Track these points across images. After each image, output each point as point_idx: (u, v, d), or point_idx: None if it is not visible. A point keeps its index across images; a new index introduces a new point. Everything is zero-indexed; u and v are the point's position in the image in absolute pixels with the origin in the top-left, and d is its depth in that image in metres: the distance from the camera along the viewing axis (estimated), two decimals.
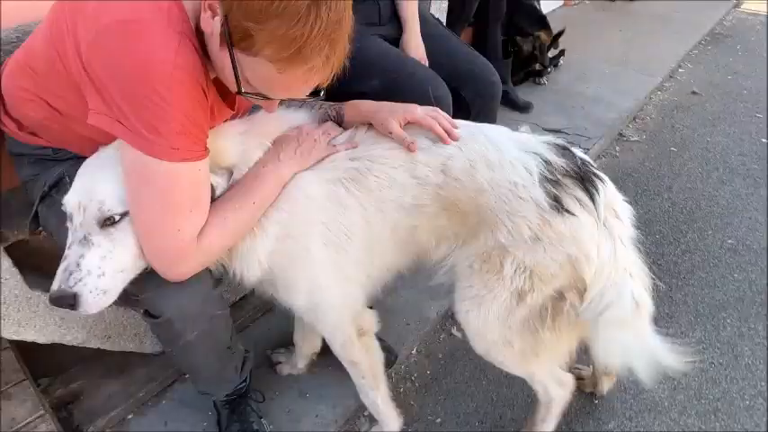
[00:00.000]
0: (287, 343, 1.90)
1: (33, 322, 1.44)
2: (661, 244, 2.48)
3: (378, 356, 1.48)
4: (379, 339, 1.85)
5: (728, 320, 2.10)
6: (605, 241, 1.22)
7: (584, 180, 1.23)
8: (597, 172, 1.27)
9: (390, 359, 1.83)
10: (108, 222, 1.03)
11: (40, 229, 1.40)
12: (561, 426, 1.72)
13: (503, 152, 1.23)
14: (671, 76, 4.26)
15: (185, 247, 1.06)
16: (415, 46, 1.99)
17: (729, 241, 2.51)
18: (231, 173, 1.19)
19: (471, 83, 1.98)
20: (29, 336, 1.45)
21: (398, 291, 2.13)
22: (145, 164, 0.99)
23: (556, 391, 1.50)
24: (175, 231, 1.04)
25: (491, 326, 1.32)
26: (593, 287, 1.23)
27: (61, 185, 1.24)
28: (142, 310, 1.23)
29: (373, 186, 1.23)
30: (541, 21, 3.59)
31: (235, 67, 0.96)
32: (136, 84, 0.93)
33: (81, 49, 0.97)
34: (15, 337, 1.43)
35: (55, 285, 1.01)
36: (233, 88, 1.01)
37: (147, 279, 1.14)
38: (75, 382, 1.74)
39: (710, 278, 2.30)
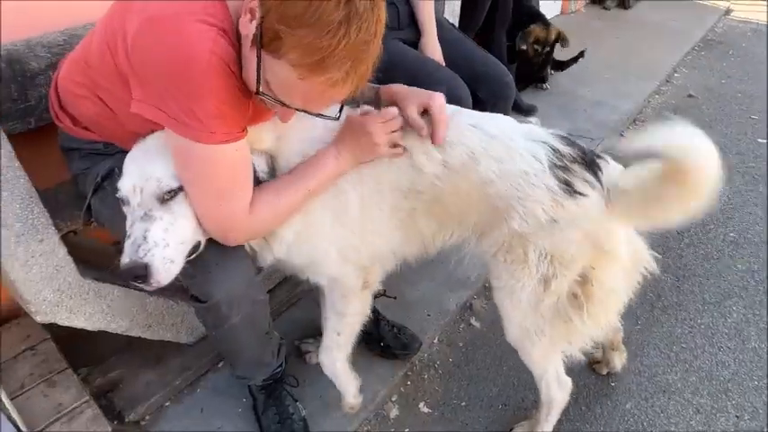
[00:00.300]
0: (313, 334, 1.97)
1: (83, 309, 1.50)
2: (667, 238, 2.58)
3: (365, 313, 1.51)
4: (403, 328, 1.95)
5: (734, 308, 2.20)
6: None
7: (591, 163, 1.30)
8: (600, 154, 1.34)
9: (414, 346, 1.92)
10: (167, 197, 1.12)
11: (92, 219, 1.48)
12: (581, 406, 1.81)
13: (509, 144, 1.29)
14: (667, 81, 4.40)
15: (233, 218, 1.15)
16: (432, 48, 2.10)
17: (731, 235, 2.62)
18: (269, 156, 1.26)
19: (487, 84, 2.09)
20: (79, 322, 1.51)
21: (418, 284, 2.22)
22: (186, 147, 1.06)
23: (556, 392, 1.57)
24: (220, 204, 1.13)
25: (523, 312, 1.39)
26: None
27: (112, 177, 1.32)
28: (189, 296, 1.31)
29: (372, 170, 1.30)
30: (536, 16, 3.68)
31: (259, 67, 1.00)
32: (175, 70, 0.99)
33: (127, 41, 1.04)
34: (67, 324, 1.49)
35: (126, 258, 1.07)
36: (252, 88, 1.04)
37: (196, 266, 1.22)
38: (113, 372, 1.80)
39: (715, 269, 2.40)
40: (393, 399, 1.86)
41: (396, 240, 1.40)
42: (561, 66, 4.02)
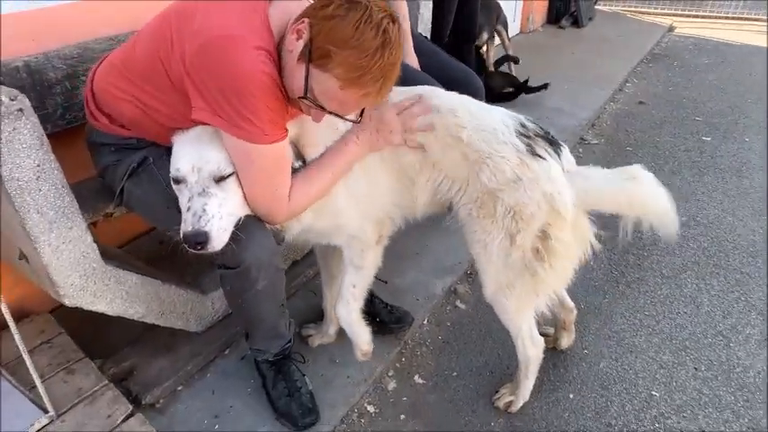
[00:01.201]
0: (314, 320, 2.12)
1: (105, 295, 1.62)
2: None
3: (377, 266, 1.69)
4: (395, 305, 2.12)
5: (688, 280, 2.46)
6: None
7: (552, 142, 1.53)
8: (560, 141, 1.58)
9: (407, 320, 2.10)
10: (222, 178, 1.30)
11: (112, 212, 1.63)
12: (560, 368, 2.01)
13: (481, 107, 1.53)
14: (620, 90, 4.79)
15: (279, 201, 1.37)
16: (411, 58, 2.33)
17: (683, 218, 2.89)
18: (293, 144, 1.44)
19: (459, 88, 2.30)
20: (101, 307, 1.62)
21: (406, 273, 2.41)
22: (243, 147, 1.27)
23: (531, 350, 1.75)
24: (268, 190, 1.34)
25: (495, 266, 1.58)
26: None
27: (146, 165, 1.49)
28: (217, 266, 1.47)
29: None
30: None
31: (307, 77, 1.22)
32: (235, 87, 1.20)
33: (185, 57, 1.23)
34: (90, 308, 1.60)
35: (189, 227, 1.25)
36: (298, 94, 1.25)
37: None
38: (126, 362, 1.90)
39: (670, 248, 2.67)
40: (390, 374, 2.01)
41: (390, 186, 1.57)
42: (529, 90, 4.27)
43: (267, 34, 1.26)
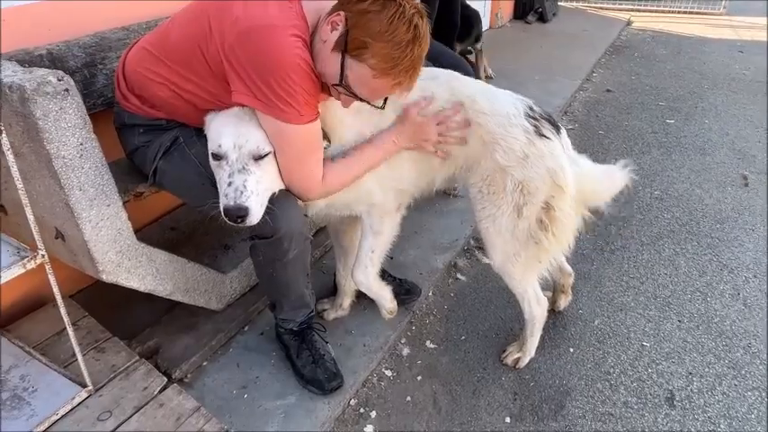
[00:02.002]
0: (327, 295, 2.22)
1: (138, 271, 1.68)
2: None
3: (395, 233, 1.83)
4: (404, 279, 2.25)
5: (666, 245, 2.69)
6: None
7: (554, 124, 1.70)
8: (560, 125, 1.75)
9: (417, 291, 2.24)
10: (260, 157, 1.39)
11: (143, 192, 1.69)
12: (559, 328, 2.18)
13: (495, 93, 1.68)
14: (588, 80, 5.06)
15: (312, 177, 1.47)
16: None
17: (656, 192, 3.15)
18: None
19: None
20: (133, 283, 1.68)
21: (408, 250, 2.53)
22: (280, 127, 1.36)
23: (537, 309, 1.91)
24: (302, 167, 1.44)
25: (504, 238, 1.72)
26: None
27: (176, 144, 1.57)
28: (250, 236, 1.56)
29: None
30: None
31: (343, 66, 1.31)
32: (273, 70, 1.29)
33: (225, 43, 1.32)
34: (125, 284, 1.66)
35: (231, 201, 1.34)
36: (333, 81, 1.35)
37: None
38: (152, 340, 1.96)
39: (647, 218, 2.90)
40: (402, 341, 2.14)
41: (411, 171, 1.72)
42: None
43: (303, 24, 1.35)
